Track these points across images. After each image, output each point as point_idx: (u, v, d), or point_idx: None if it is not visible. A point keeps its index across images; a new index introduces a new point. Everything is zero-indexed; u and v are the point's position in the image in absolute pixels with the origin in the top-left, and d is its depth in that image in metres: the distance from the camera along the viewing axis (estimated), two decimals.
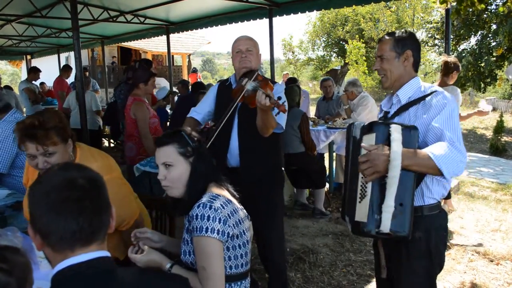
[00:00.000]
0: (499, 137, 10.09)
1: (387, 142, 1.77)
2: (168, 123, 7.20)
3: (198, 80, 13.15)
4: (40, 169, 2.01)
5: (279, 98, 2.22)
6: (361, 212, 1.86)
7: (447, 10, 5.58)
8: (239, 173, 2.71)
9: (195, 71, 17.44)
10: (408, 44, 2.05)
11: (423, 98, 1.98)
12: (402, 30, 2.15)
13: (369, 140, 1.85)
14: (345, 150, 2.24)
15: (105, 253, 1.11)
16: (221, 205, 1.78)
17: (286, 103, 2.34)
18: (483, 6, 4.19)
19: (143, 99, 4.07)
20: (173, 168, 1.83)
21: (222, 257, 1.77)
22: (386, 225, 1.74)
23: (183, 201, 1.86)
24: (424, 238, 1.92)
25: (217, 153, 2.82)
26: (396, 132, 1.75)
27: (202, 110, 2.94)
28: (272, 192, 2.83)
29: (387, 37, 2.08)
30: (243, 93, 2.43)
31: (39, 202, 1.06)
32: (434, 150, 1.74)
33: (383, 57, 2.07)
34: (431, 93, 1.97)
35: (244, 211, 1.97)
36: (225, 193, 1.90)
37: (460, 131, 1.88)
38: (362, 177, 1.88)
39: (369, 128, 1.91)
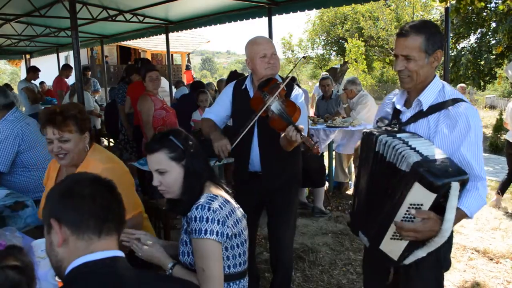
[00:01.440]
0: (498, 135, 10.10)
1: (442, 200, 1.61)
2: None
3: (194, 78, 13.10)
4: (55, 154, 2.18)
5: (311, 136, 2.12)
6: (391, 248, 1.80)
7: (446, 9, 5.57)
8: (261, 178, 2.72)
9: (189, 68, 17.42)
10: (438, 42, 1.79)
11: (444, 105, 1.81)
12: (429, 22, 1.86)
13: (420, 195, 1.62)
14: (358, 160, 2.04)
15: (120, 253, 1.16)
16: (219, 206, 1.77)
17: (320, 144, 2.26)
18: (482, 4, 4.18)
19: (151, 94, 4.43)
20: (167, 174, 1.81)
21: (221, 258, 1.77)
22: (409, 261, 1.76)
23: (181, 202, 1.86)
24: (435, 250, 1.79)
25: (238, 159, 2.81)
26: (454, 198, 1.57)
27: (219, 113, 2.83)
28: (290, 195, 2.83)
29: (414, 33, 1.78)
30: (267, 112, 2.33)
31: (69, 196, 1.15)
32: (471, 207, 1.71)
33: (409, 57, 1.80)
34: (454, 101, 1.79)
35: (241, 210, 1.96)
36: (222, 192, 1.89)
37: (482, 154, 1.79)
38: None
39: (422, 173, 1.60)
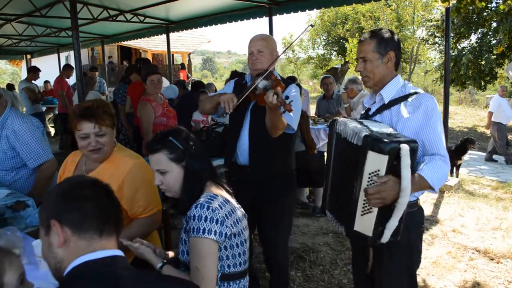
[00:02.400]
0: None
1: (396, 163, 1.75)
2: None
3: (188, 77, 13.08)
4: (91, 149, 2.20)
5: (287, 97, 2.20)
6: (363, 224, 1.90)
7: (447, 9, 5.57)
8: (248, 171, 2.72)
9: (183, 67, 17.44)
10: (390, 44, 2.05)
11: (405, 98, 2.02)
12: (382, 29, 2.14)
13: (376, 162, 1.79)
14: (327, 148, 2.21)
15: (120, 252, 1.17)
16: (219, 205, 1.78)
17: (294, 104, 2.31)
18: (483, 4, 4.18)
19: (151, 99, 4.30)
20: (167, 174, 1.83)
21: (216, 258, 1.78)
22: (386, 238, 1.85)
23: (181, 201, 1.87)
24: (405, 234, 1.93)
25: (227, 150, 2.84)
26: (406, 157, 1.73)
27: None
28: (282, 195, 2.80)
29: (368, 39, 2.07)
30: (254, 91, 2.42)
31: (70, 196, 1.17)
32: (430, 174, 1.84)
33: (366, 59, 2.07)
34: (414, 93, 2.02)
35: (242, 210, 1.96)
36: (222, 192, 1.90)
37: (443, 136, 1.97)
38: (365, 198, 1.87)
39: (372, 142, 1.78)
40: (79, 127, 2.17)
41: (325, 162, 2.27)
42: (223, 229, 1.75)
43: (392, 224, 1.80)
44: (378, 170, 1.79)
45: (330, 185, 2.14)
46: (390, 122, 2.04)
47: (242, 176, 2.76)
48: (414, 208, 2.03)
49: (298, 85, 5.29)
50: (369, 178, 1.82)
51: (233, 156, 2.79)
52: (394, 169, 1.76)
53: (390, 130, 1.92)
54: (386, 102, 2.08)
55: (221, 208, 1.77)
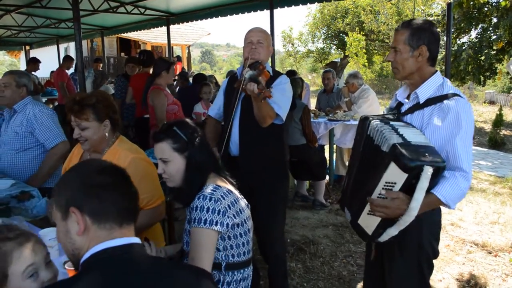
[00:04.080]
0: (498, 131, 10.13)
1: (415, 181, 1.70)
2: None
3: (183, 69, 13.05)
4: (76, 139, 2.30)
5: (267, 85, 2.23)
6: (367, 222, 1.94)
7: (449, 4, 5.57)
8: (238, 161, 2.75)
9: (179, 59, 17.41)
10: (423, 38, 1.93)
11: (440, 99, 1.90)
12: (420, 19, 2.01)
13: (395, 175, 1.76)
14: (353, 141, 2.19)
15: (137, 240, 1.18)
16: (222, 196, 1.81)
17: (275, 90, 2.36)
18: None
19: (162, 88, 4.32)
20: (169, 163, 1.87)
21: (214, 249, 1.81)
22: (384, 239, 1.87)
23: (183, 191, 1.90)
24: (415, 233, 1.91)
25: (220, 142, 2.87)
26: (425, 180, 1.68)
27: (216, 105, 3.01)
28: (274, 185, 2.83)
29: (402, 28, 1.96)
30: (243, 83, 2.45)
31: (92, 185, 1.15)
32: (446, 193, 1.77)
33: (396, 50, 1.97)
34: (450, 96, 1.89)
35: (245, 200, 2.00)
36: (225, 183, 1.93)
37: (471, 148, 1.87)
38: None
39: (398, 155, 1.71)
40: (68, 117, 2.30)
41: (350, 157, 2.28)
42: (225, 219, 1.79)
43: (392, 232, 1.81)
44: (395, 183, 1.77)
45: (352, 179, 2.12)
46: (420, 125, 1.95)
47: (233, 167, 2.79)
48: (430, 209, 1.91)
49: (300, 78, 5.32)
50: (384, 185, 1.80)
51: (226, 147, 2.82)
52: (410, 186, 1.72)
53: (424, 141, 1.83)
54: (421, 102, 1.96)
55: (223, 198, 1.81)
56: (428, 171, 1.67)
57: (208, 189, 1.82)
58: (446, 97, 1.89)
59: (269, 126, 2.64)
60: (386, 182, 1.79)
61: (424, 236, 1.95)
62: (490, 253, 3.94)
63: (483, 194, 5.84)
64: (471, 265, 3.71)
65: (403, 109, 2.06)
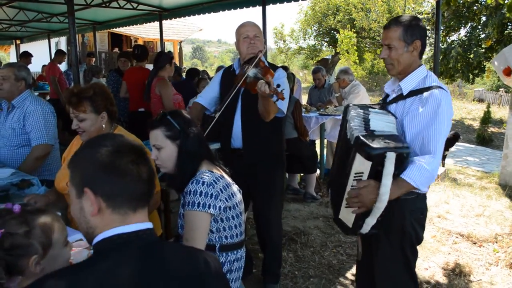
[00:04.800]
0: (485, 128, 10.35)
1: (381, 168, 1.81)
2: None
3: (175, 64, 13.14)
4: (75, 129, 2.37)
5: (278, 86, 2.31)
6: (346, 215, 2.05)
7: (437, 2, 5.69)
8: (241, 154, 2.85)
9: (170, 54, 17.50)
10: (416, 33, 2.03)
11: (422, 91, 2.01)
12: (406, 16, 2.11)
13: (361, 165, 1.87)
14: (338, 133, 2.30)
15: (151, 225, 1.16)
16: (214, 180, 1.91)
17: (285, 91, 2.41)
18: None
19: (166, 79, 4.53)
20: (162, 150, 1.97)
21: (207, 231, 1.92)
22: (365, 230, 1.97)
23: (176, 178, 2.00)
24: (399, 219, 2.02)
25: (222, 135, 2.96)
26: (390, 166, 1.79)
27: (207, 95, 3.06)
28: (272, 173, 2.97)
29: (395, 26, 2.04)
30: (245, 79, 2.52)
31: (108, 168, 1.10)
32: (414, 176, 1.87)
33: (391, 46, 2.04)
34: (431, 87, 1.99)
35: (236, 186, 2.11)
36: (217, 169, 2.04)
37: (446, 137, 1.97)
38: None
39: (360, 146, 1.84)
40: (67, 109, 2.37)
41: (335, 152, 2.38)
42: (217, 202, 1.89)
43: (370, 221, 1.92)
44: (362, 173, 1.89)
45: (335, 166, 2.23)
46: (401, 114, 2.06)
47: (236, 159, 2.89)
48: (411, 196, 2.02)
49: (292, 74, 5.41)
50: (355, 176, 1.93)
51: (227, 141, 2.92)
52: (378, 173, 1.82)
53: (390, 129, 1.94)
54: (404, 93, 2.07)
55: (216, 183, 1.91)
56: (391, 156, 1.78)
57: (201, 175, 1.93)
58: (428, 89, 2.00)
59: (271, 120, 2.72)
60: (355, 173, 1.91)
61: (408, 221, 2.05)
62: (475, 243, 4.08)
63: (469, 188, 5.98)
64: (456, 254, 3.83)
65: (389, 99, 2.20)
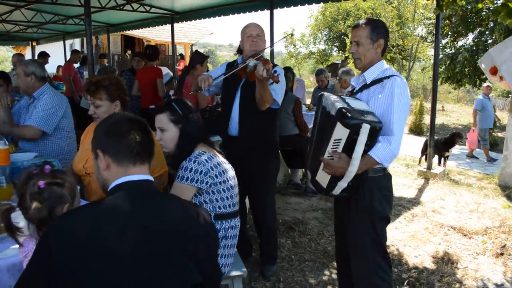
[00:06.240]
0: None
1: (356, 137, 2.10)
2: None
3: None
4: (91, 115, 2.70)
5: (275, 71, 2.59)
6: (322, 177, 2.36)
7: (438, 15, 5.93)
8: (238, 140, 3.11)
9: (182, 57, 17.76)
10: (381, 33, 2.36)
11: (382, 80, 2.32)
12: (373, 18, 2.44)
13: (340, 132, 2.16)
14: (314, 116, 2.58)
15: (150, 177, 1.48)
16: (205, 160, 2.22)
17: (280, 76, 2.69)
18: (463, 1, 4.52)
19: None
20: (165, 132, 2.29)
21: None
22: (336, 192, 2.28)
23: (175, 157, 2.31)
24: (368, 195, 2.32)
25: (220, 123, 3.23)
26: (364, 135, 2.09)
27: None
28: (266, 159, 3.23)
29: (364, 25, 2.36)
30: (245, 68, 2.78)
31: (110, 132, 1.47)
32: (380, 154, 2.19)
33: (359, 43, 2.36)
34: (390, 76, 2.30)
35: (229, 164, 2.41)
36: (211, 150, 2.34)
37: (405, 119, 2.29)
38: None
39: (341, 115, 2.13)
40: (85, 97, 2.67)
41: (312, 128, 2.66)
42: (205, 178, 2.20)
43: (342, 184, 2.23)
44: (340, 139, 2.18)
45: (313, 144, 2.51)
46: (366, 100, 2.36)
47: (233, 146, 3.16)
48: (379, 174, 2.34)
49: (292, 73, 5.68)
50: (333, 143, 2.22)
51: (226, 128, 3.19)
52: (353, 141, 2.12)
53: (366, 108, 2.25)
54: (368, 82, 2.39)
55: (207, 162, 2.21)
56: (366, 127, 2.08)
57: (196, 154, 2.23)
58: (387, 78, 2.32)
59: (266, 110, 2.98)
60: (334, 140, 2.20)
61: (376, 197, 2.34)
62: (465, 235, 4.27)
63: (468, 188, 6.14)
64: (446, 245, 4.04)
65: (355, 90, 2.52)
